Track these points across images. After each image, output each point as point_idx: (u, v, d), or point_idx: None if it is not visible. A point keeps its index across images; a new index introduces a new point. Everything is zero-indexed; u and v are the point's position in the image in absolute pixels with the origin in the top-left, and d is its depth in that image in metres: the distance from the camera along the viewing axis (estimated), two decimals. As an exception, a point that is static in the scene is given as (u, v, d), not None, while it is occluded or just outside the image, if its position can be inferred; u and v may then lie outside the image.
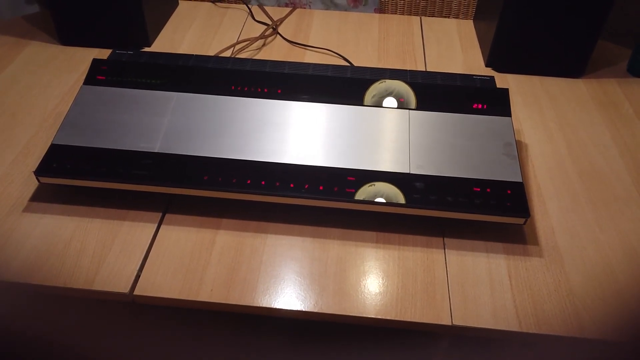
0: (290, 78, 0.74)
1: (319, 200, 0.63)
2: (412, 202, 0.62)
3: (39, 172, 0.65)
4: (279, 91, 0.73)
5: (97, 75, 0.74)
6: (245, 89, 0.73)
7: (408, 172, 0.65)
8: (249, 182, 0.64)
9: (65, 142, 0.67)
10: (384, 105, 0.71)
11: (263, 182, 0.64)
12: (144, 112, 0.70)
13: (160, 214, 0.66)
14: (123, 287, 0.58)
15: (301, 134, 0.68)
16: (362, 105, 0.71)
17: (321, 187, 0.63)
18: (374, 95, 0.72)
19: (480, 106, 0.71)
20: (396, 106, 0.71)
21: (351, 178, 0.64)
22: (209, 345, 0.67)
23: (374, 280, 0.60)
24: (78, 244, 0.62)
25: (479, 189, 0.63)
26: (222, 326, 0.67)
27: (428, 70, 0.89)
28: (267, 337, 0.69)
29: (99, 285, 0.58)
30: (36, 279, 0.59)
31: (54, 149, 0.66)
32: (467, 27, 1.01)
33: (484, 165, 0.65)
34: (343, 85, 0.73)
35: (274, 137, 0.68)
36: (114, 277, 0.59)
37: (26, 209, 0.66)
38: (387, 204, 0.62)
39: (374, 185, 0.63)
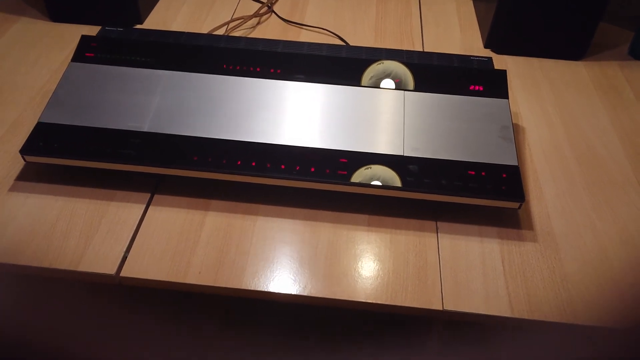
0: (284, 57, 0.72)
1: (310, 182, 0.61)
2: (405, 185, 0.61)
3: (25, 150, 0.63)
4: (272, 70, 0.71)
5: (85, 52, 0.72)
6: (238, 68, 0.71)
7: (402, 154, 0.63)
8: (239, 163, 0.62)
9: (52, 120, 0.66)
10: (374, 80, 0.69)
11: (253, 163, 0.62)
12: (133, 91, 0.68)
13: (149, 195, 0.65)
14: (109, 268, 0.57)
15: (294, 114, 0.67)
16: (358, 85, 0.69)
17: (312, 169, 0.62)
18: (372, 77, 0.70)
19: (477, 88, 0.69)
20: (387, 81, 0.69)
21: (343, 160, 0.63)
22: (201, 333, 0.66)
23: (365, 264, 0.59)
24: (64, 225, 0.61)
25: (473, 172, 0.62)
26: (214, 312, 0.67)
27: (425, 51, 0.87)
28: (260, 325, 0.68)
29: (85, 267, 0.57)
30: (21, 260, 0.58)
31: (41, 127, 0.65)
32: (467, 7, 0.99)
33: (479, 148, 0.64)
34: (338, 65, 0.71)
35: (266, 118, 0.66)
36: (101, 259, 0.58)
37: (12, 189, 0.65)
38: (379, 186, 0.61)
39: (371, 168, 0.62)
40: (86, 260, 0.58)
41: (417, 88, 0.69)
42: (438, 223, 0.63)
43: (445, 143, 0.64)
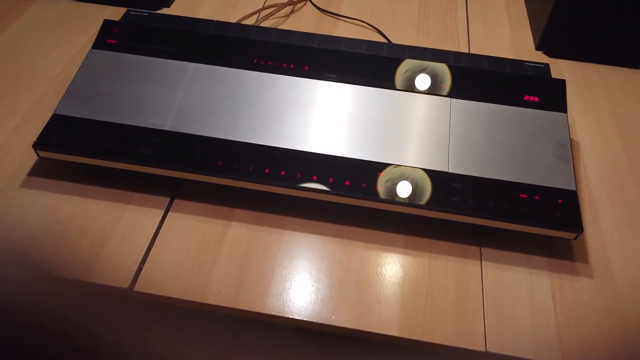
0: (320, 54, 0.66)
1: (343, 197, 0.56)
2: (448, 206, 0.55)
3: (38, 145, 0.59)
4: (307, 68, 0.65)
5: (107, 38, 0.67)
6: (269, 63, 0.65)
7: (446, 170, 0.57)
8: (267, 171, 0.57)
9: (69, 112, 0.61)
10: (417, 83, 0.63)
11: (283, 172, 0.57)
12: (156, 83, 0.63)
13: (169, 199, 0.60)
14: (123, 280, 0.53)
15: (329, 118, 0.61)
16: (401, 89, 0.63)
17: (347, 182, 0.56)
18: (407, 71, 0.64)
19: (531, 98, 0.63)
20: (429, 85, 0.63)
21: (382, 174, 0.57)
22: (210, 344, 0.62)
23: (400, 292, 0.53)
24: (77, 228, 0.57)
25: (525, 196, 0.56)
26: (227, 325, 0.62)
27: (472, 51, 0.81)
28: (275, 340, 0.63)
29: (97, 277, 0.53)
30: (30, 265, 0.53)
31: (56, 120, 0.60)
32: (518, 4, 0.91)
33: (532, 168, 0.58)
34: (378, 65, 0.65)
35: (298, 121, 0.61)
36: (114, 268, 0.54)
37: (24, 184, 0.60)
38: (421, 206, 0.55)
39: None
40: (98, 270, 0.54)
41: (464, 95, 0.63)
42: (482, 249, 0.57)
43: (494, 160, 0.58)
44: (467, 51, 0.80)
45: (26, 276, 0.50)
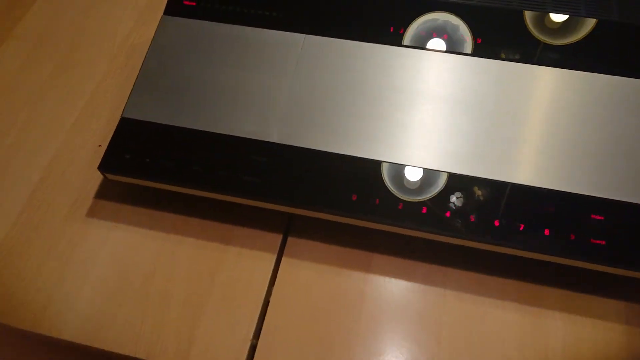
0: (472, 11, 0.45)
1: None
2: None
3: (105, 166, 0.43)
4: (479, 41, 0.44)
5: (183, -2, 0.49)
6: (423, 34, 0.45)
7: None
8: (424, 211, 0.39)
9: (140, 115, 0.44)
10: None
11: (448, 214, 0.39)
12: (253, 66, 0.45)
13: (280, 236, 0.44)
14: (229, 367, 0.39)
15: (526, 124, 0.41)
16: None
17: (546, 231, 0.38)
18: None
19: None
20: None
21: (598, 217, 0.38)
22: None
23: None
24: (163, 280, 0.42)
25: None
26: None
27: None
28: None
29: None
30: (104, 343, 0.40)
31: (125, 126, 0.44)
32: None
33: None
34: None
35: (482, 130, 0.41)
36: (217, 346, 0.39)
37: (91, 212, 0.46)
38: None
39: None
40: (195, 350, 0.39)
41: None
42: None
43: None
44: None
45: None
